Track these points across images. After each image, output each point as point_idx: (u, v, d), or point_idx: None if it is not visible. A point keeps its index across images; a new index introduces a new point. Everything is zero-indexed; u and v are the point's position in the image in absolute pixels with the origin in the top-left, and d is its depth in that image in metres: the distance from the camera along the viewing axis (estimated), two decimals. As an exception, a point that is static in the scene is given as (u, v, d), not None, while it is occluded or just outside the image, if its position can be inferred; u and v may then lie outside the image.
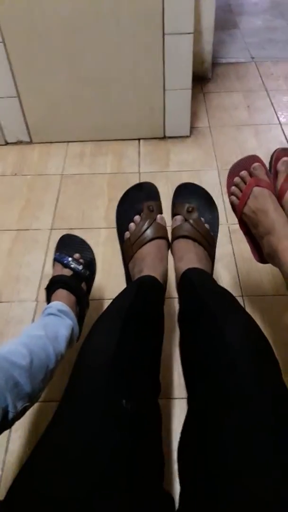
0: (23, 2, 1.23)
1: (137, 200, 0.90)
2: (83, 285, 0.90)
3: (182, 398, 0.91)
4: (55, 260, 0.93)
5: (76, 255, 0.93)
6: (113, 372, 0.55)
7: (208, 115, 1.66)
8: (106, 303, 1.06)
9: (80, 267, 0.90)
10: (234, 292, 1.07)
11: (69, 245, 0.96)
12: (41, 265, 1.19)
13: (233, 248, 1.19)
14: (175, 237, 0.86)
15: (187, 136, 1.56)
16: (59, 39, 1.31)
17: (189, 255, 0.81)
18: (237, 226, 0.88)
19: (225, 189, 0.91)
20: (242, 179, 0.83)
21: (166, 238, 0.87)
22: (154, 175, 1.44)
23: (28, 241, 1.26)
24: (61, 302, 0.82)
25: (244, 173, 0.83)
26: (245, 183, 0.83)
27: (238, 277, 1.12)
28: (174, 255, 0.85)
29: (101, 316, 0.68)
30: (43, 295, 1.10)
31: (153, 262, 0.80)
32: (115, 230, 1.25)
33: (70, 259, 0.91)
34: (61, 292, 0.85)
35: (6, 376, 0.58)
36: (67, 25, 1.28)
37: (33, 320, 1.06)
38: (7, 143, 1.60)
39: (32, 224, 1.31)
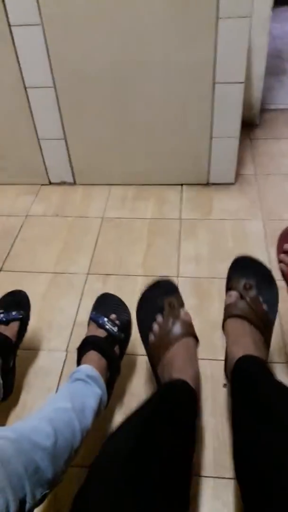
0: (75, 48, 1.26)
1: (156, 298, 0.85)
2: (117, 348, 0.86)
3: (215, 477, 0.82)
4: (91, 319, 0.91)
5: (113, 316, 0.90)
6: (125, 486, 0.48)
7: (255, 163, 1.62)
8: (139, 359, 1.01)
9: (115, 329, 0.87)
10: (278, 357, 0.99)
11: (107, 304, 0.93)
12: (74, 311, 1.15)
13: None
14: (228, 315, 0.80)
15: (231, 184, 1.52)
16: (108, 85, 1.32)
17: (245, 340, 0.74)
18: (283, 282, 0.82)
19: (270, 241, 0.85)
20: None
21: (193, 335, 0.81)
22: (196, 222, 1.39)
23: (64, 285, 1.23)
24: (91, 367, 0.77)
25: None
26: None
27: (283, 340, 1.03)
28: (227, 337, 0.78)
29: (124, 421, 0.61)
30: (73, 345, 1.07)
31: (183, 365, 0.74)
32: (151, 278, 1.21)
33: (105, 319, 0.88)
34: (92, 355, 0.81)
35: (27, 461, 0.53)
36: (117, 71, 1.29)
37: (61, 373, 1.02)
38: (51, 183, 1.62)
39: (69, 267, 1.29)
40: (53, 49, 1.26)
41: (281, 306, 1.11)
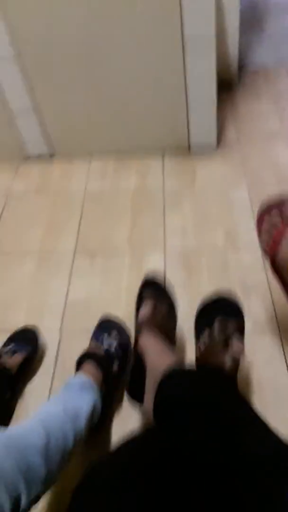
0: (38, 17, 1.19)
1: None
2: (116, 365, 0.89)
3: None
4: (92, 337, 0.95)
5: (113, 333, 0.94)
6: None
7: (236, 125, 1.59)
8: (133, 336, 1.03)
9: (115, 344, 0.91)
10: (270, 326, 1.02)
11: (108, 325, 0.98)
12: (65, 290, 1.16)
13: (267, 276, 1.12)
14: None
15: (214, 149, 1.50)
16: (76, 53, 1.26)
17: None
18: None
19: (255, 207, 0.85)
20: (273, 224, 0.77)
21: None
22: (179, 192, 1.38)
23: (52, 265, 1.23)
24: (87, 375, 0.80)
25: (275, 213, 0.77)
26: (276, 227, 0.77)
27: (274, 310, 1.05)
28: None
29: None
30: (66, 324, 1.08)
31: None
32: (138, 254, 1.21)
33: (106, 335, 0.92)
34: (89, 366, 0.84)
35: (20, 460, 0.55)
36: (84, 37, 1.22)
37: (57, 353, 1.03)
38: (28, 158, 1.57)
39: (55, 246, 1.28)
40: (13, 18, 1.19)
41: (270, 273, 1.12)
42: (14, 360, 0.95)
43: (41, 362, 1.02)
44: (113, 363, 0.90)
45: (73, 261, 1.23)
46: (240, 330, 0.82)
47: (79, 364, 0.87)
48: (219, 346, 0.77)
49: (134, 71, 1.30)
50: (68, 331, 1.07)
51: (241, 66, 1.83)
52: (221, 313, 0.82)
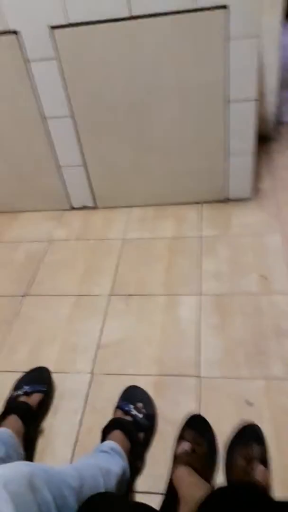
0: (90, 78, 1.31)
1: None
2: (141, 435, 0.89)
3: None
4: (118, 407, 0.94)
5: (139, 404, 0.93)
6: None
7: (272, 177, 1.61)
8: (166, 379, 1.01)
9: (141, 415, 0.91)
10: None
11: (134, 395, 0.97)
12: (98, 333, 1.17)
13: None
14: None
15: (249, 199, 1.52)
16: (123, 111, 1.36)
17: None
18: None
19: None
20: None
21: None
22: (215, 239, 1.40)
23: (87, 307, 1.25)
24: (116, 443, 0.80)
25: None
26: None
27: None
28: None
29: None
30: (98, 366, 1.08)
31: None
32: (173, 297, 1.22)
33: (132, 406, 0.92)
34: (117, 435, 0.84)
35: (56, 492, 0.55)
36: (131, 97, 1.33)
37: (87, 395, 1.03)
38: (73, 208, 1.66)
39: (92, 289, 1.31)
40: (69, 80, 1.32)
41: None
42: (33, 400, 0.95)
43: (69, 403, 1.02)
44: (140, 432, 0.89)
45: (107, 304, 1.25)
46: (263, 456, 0.83)
47: (106, 430, 0.87)
48: (242, 471, 0.79)
49: (177, 127, 1.38)
50: (100, 372, 1.07)
51: (278, 121, 1.89)
52: (243, 443, 0.85)
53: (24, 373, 1.06)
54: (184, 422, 0.91)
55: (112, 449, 0.79)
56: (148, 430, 0.91)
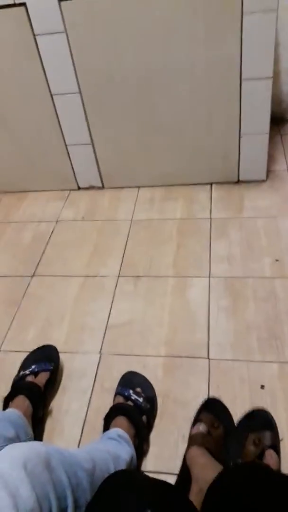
0: (99, 54, 1.26)
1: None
2: (144, 418, 0.88)
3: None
4: (117, 393, 0.93)
5: (138, 389, 0.92)
6: None
7: (286, 158, 1.57)
8: (176, 360, 1.00)
9: (141, 399, 0.89)
10: None
11: (132, 380, 0.96)
12: (106, 314, 1.15)
13: (315, 305, 1.06)
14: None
15: (263, 181, 1.48)
16: (133, 88, 1.32)
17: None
18: None
19: None
20: None
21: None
22: (226, 221, 1.37)
23: (95, 288, 1.24)
24: (122, 430, 0.80)
25: None
26: None
27: None
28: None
29: None
30: (106, 347, 1.07)
31: None
32: (183, 279, 1.20)
33: (131, 391, 0.91)
34: (121, 420, 0.83)
35: (71, 473, 0.54)
36: (142, 74, 1.29)
37: (95, 375, 1.02)
38: (79, 188, 1.63)
39: (100, 270, 1.29)
40: (77, 55, 1.28)
41: None
42: (40, 379, 0.94)
43: (78, 382, 1.01)
44: (142, 416, 0.88)
45: (116, 285, 1.23)
46: (274, 442, 0.81)
47: (109, 418, 0.86)
48: (252, 456, 0.78)
49: (188, 105, 1.34)
50: (108, 353, 1.06)
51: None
52: (253, 429, 0.83)
53: (30, 352, 1.04)
54: (201, 404, 0.90)
55: (119, 436, 0.79)
56: (150, 412, 0.91)
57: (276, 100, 1.70)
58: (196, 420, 0.87)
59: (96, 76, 1.31)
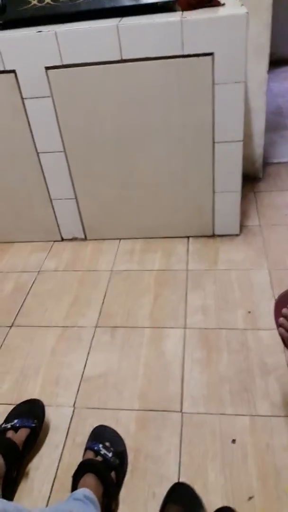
0: (81, 116, 1.36)
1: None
2: (113, 474, 0.87)
3: None
4: (87, 448, 0.93)
5: (107, 443, 0.92)
6: None
7: (259, 214, 1.66)
8: (149, 414, 0.99)
9: (110, 454, 0.89)
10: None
11: (101, 435, 0.96)
12: (82, 366, 1.16)
13: (287, 359, 1.09)
14: None
15: (236, 235, 1.55)
16: (113, 148, 1.41)
17: None
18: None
19: (276, 291, 0.86)
20: None
21: None
22: (202, 273, 1.41)
23: (72, 339, 1.25)
24: (89, 490, 0.79)
25: None
26: None
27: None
28: None
29: None
30: (81, 400, 1.06)
31: None
32: (159, 330, 1.22)
33: (101, 445, 0.91)
34: (89, 479, 0.83)
35: None
36: (121, 135, 1.38)
37: (68, 429, 1.01)
38: (63, 239, 1.68)
39: (78, 321, 1.31)
40: (62, 118, 1.37)
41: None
42: (19, 437, 0.93)
43: (50, 437, 0.99)
44: (111, 471, 0.87)
45: (93, 335, 1.24)
46: None
47: (77, 475, 0.85)
48: None
49: (165, 164, 1.43)
50: (82, 407, 1.05)
51: (265, 162, 1.96)
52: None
53: (17, 404, 1.03)
54: (169, 490, 0.85)
55: (85, 496, 0.77)
56: (120, 468, 0.89)
57: (250, 160, 1.81)
58: (164, 504, 0.82)
59: (79, 136, 1.40)
